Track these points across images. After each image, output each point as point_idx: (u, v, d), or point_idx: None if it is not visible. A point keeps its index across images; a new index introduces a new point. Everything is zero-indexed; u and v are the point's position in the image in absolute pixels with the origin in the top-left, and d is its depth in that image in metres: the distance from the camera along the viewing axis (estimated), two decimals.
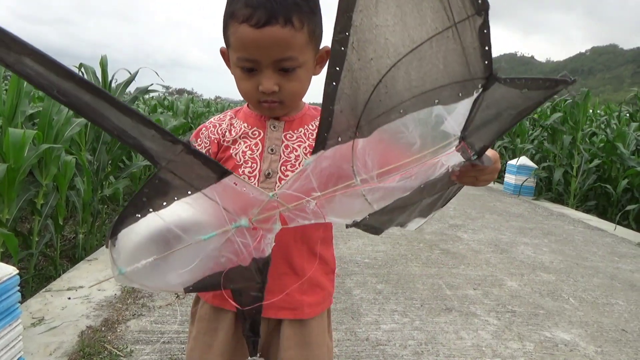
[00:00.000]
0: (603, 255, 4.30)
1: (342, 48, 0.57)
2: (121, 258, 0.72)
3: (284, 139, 0.93)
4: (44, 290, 2.73)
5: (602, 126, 8.31)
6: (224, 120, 0.99)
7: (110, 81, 4.37)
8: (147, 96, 9.05)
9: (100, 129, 4.37)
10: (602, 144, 7.50)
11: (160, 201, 0.68)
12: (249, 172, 0.92)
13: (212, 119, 1.01)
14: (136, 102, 5.38)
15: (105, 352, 2.11)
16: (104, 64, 4.16)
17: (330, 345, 1.03)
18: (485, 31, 0.58)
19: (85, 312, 2.47)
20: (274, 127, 0.93)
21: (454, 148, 0.70)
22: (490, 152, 0.75)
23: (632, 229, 5.81)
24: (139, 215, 0.69)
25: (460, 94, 0.64)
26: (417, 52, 0.60)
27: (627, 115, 9.00)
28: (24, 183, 3.06)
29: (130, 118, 0.58)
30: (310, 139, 0.94)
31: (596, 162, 7.01)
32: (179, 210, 0.70)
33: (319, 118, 0.73)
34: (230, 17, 0.82)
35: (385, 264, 3.55)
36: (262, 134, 0.94)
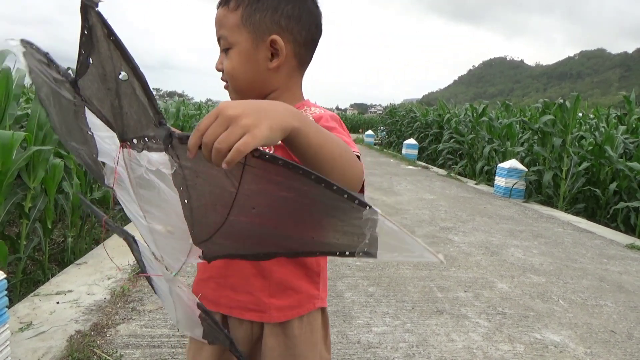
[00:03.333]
0: (592, 257, 4.33)
1: None
2: None
3: None
4: (32, 294, 2.70)
5: (591, 129, 8.39)
6: None
7: None
8: None
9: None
10: (590, 147, 7.57)
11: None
12: None
13: None
14: None
15: (95, 356, 2.09)
16: None
17: (325, 358, 0.98)
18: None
19: (74, 317, 2.45)
20: None
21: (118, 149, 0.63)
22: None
23: (621, 231, 5.87)
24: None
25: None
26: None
27: (616, 118, 9.10)
28: (11, 186, 3.02)
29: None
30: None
31: (585, 165, 7.08)
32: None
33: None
34: None
35: (376, 267, 3.55)
36: None
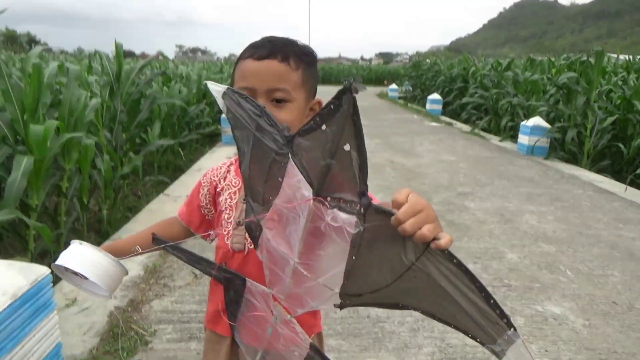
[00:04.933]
0: (607, 222, 4.38)
1: None
2: None
3: None
4: None
5: (619, 83, 8.13)
6: (223, 167, 1.13)
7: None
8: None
9: (115, 111, 4.52)
10: (619, 101, 7.37)
11: None
12: (227, 217, 1.06)
13: (215, 166, 1.16)
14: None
15: (132, 332, 2.35)
16: (119, 50, 4.29)
17: None
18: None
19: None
20: None
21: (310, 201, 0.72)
22: (410, 197, 0.66)
23: None
24: None
25: None
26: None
27: None
28: (49, 170, 3.26)
29: None
30: None
31: (610, 119, 6.90)
32: None
33: None
34: (238, 60, 0.99)
35: None
36: (240, 183, 1.07)
